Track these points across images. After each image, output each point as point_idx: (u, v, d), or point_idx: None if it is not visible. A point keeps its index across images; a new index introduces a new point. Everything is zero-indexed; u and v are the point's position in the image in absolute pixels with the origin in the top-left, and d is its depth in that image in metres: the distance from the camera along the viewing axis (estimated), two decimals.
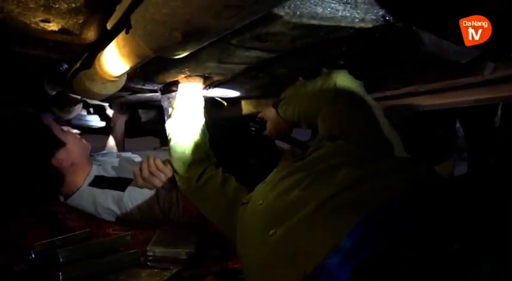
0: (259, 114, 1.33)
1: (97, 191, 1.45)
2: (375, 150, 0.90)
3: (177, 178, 1.29)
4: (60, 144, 1.41)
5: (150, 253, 1.08)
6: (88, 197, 1.45)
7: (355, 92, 0.98)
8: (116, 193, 1.44)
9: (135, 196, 1.42)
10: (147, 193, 1.42)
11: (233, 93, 1.55)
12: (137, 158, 1.68)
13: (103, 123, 2.33)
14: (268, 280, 0.71)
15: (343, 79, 0.99)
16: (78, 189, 1.45)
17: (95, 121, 2.31)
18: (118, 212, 1.43)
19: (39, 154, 1.36)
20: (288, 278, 0.63)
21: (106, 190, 1.45)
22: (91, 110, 2.26)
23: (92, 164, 1.54)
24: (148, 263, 1.05)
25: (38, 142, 1.37)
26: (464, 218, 0.59)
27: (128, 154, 1.75)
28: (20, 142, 1.34)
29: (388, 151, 0.92)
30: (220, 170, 1.23)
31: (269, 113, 1.25)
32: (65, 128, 1.55)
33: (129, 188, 1.44)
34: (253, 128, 1.38)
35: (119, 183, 1.47)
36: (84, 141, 1.56)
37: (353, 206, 0.65)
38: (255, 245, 0.77)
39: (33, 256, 1.03)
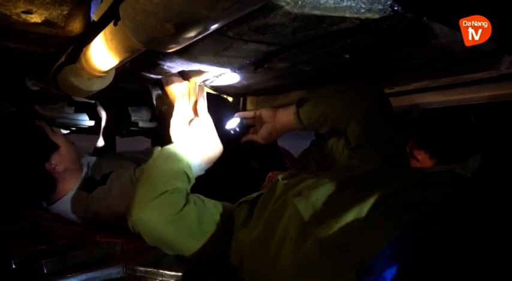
0: (259, 112, 1.29)
1: (85, 195, 1.45)
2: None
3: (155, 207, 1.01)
4: (54, 147, 1.41)
5: (131, 272, 1.04)
6: (76, 201, 1.45)
7: (388, 103, 1.11)
8: (103, 188, 1.44)
9: (119, 187, 1.42)
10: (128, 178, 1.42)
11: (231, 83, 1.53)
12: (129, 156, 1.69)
13: (92, 123, 2.32)
14: (301, 270, 0.77)
15: (375, 90, 1.10)
16: (65, 194, 1.45)
17: (83, 120, 2.30)
18: (107, 212, 1.41)
19: (32, 157, 1.36)
20: (335, 267, 0.71)
21: (95, 191, 1.45)
22: (78, 108, 2.25)
23: (82, 168, 1.54)
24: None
25: (32, 144, 1.37)
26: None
27: (119, 154, 1.76)
28: (13, 144, 1.34)
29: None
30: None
31: (285, 116, 1.23)
32: (55, 129, 1.54)
33: (111, 177, 1.44)
34: (232, 131, 1.29)
35: (104, 179, 1.48)
36: (75, 145, 1.56)
37: (406, 208, 0.75)
38: (287, 237, 0.84)
39: (14, 266, 1.02)
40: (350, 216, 0.77)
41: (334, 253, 0.73)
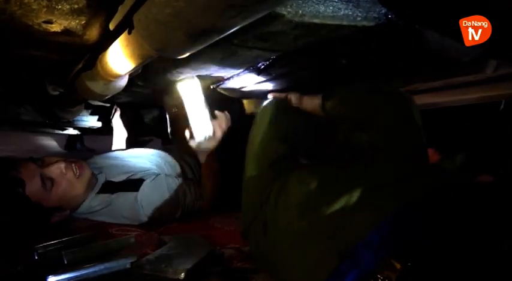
0: (290, 95, 1.22)
1: (106, 196, 1.41)
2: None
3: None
4: (56, 211, 1.35)
5: (139, 269, 1.00)
6: (99, 203, 1.41)
7: (412, 108, 0.99)
8: (130, 194, 1.39)
9: (149, 193, 1.39)
10: (160, 189, 1.41)
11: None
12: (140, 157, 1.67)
13: (100, 124, 2.31)
14: (298, 254, 0.77)
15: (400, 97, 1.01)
16: (84, 200, 1.41)
17: (93, 122, 2.29)
18: (131, 216, 1.38)
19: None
20: (323, 252, 0.70)
21: (119, 193, 1.41)
22: (94, 111, 2.24)
23: (97, 178, 1.46)
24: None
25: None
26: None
27: (129, 153, 1.72)
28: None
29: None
30: None
31: (310, 104, 1.17)
32: (81, 165, 1.40)
33: (144, 186, 1.41)
34: None
35: (130, 185, 1.43)
36: (87, 171, 1.42)
37: (394, 198, 0.73)
38: (290, 222, 0.84)
39: (36, 257, 1.02)
40: (340, 204, 0.77)
41: (323, 239, 0.73)
